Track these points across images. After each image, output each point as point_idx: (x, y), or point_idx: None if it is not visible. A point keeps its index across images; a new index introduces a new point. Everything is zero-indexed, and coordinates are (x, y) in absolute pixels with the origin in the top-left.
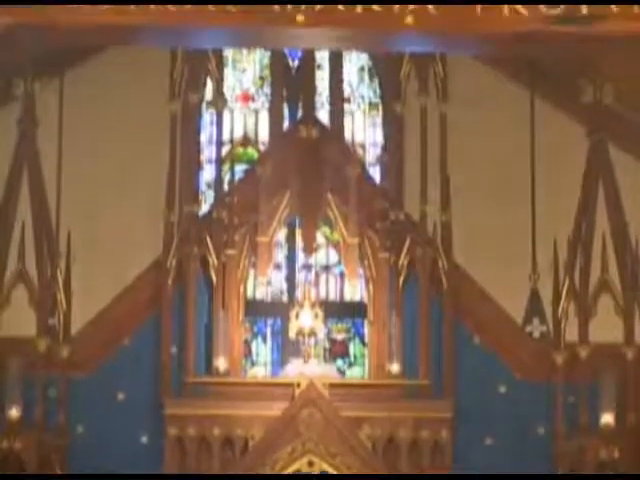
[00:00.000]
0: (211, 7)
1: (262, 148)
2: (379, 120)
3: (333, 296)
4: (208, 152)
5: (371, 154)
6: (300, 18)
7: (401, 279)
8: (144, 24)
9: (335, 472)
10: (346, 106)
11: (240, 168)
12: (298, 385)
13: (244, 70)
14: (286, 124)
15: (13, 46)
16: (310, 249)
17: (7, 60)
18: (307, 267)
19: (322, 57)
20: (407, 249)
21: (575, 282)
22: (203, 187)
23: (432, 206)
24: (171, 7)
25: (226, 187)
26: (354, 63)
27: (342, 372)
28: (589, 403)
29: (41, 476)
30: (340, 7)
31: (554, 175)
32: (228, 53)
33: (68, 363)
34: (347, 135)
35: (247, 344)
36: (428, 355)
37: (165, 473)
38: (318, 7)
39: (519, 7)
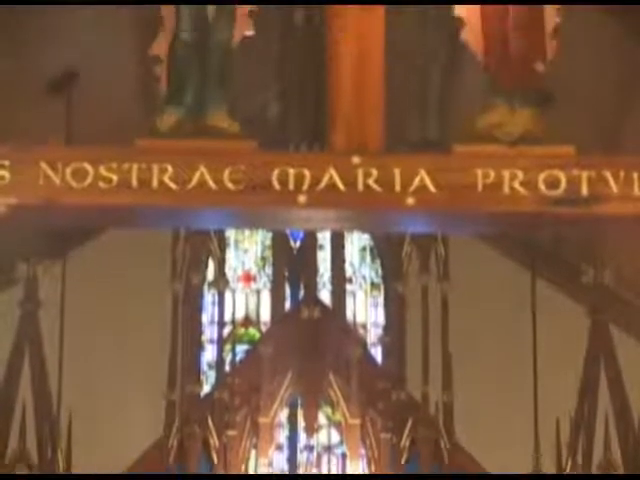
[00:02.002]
0: (212, 185)
1: (264, 328)
2: (381, 300)
3: None
4: (210, 332)
5: (373, 334)
6: (302, 199)
7: (403, 459)
8: (145, 205)
9: None
10: (348, 286)
11: (242, 348)
12: None
13: (246, 250)
14: (288, 304)
15: (15, 228)
16: (312, 430)
17: (9, 242)
18: (309, 448)
19: (324, 237)
20: (409, 430)
21: (578, 462)
22: (204, 367)
23: (434, 386)
24: (172, 185)
25: (227, 367)
26: (356, 243)
27: None
28: None
29: (41, 476)
30: (341, 187)
31: (556, 354)
32: (230, 233)
33: None
34: (349, 315)
35: None
36: None
37: (165, 473)
38: (320, 188)
39: (519, 188)
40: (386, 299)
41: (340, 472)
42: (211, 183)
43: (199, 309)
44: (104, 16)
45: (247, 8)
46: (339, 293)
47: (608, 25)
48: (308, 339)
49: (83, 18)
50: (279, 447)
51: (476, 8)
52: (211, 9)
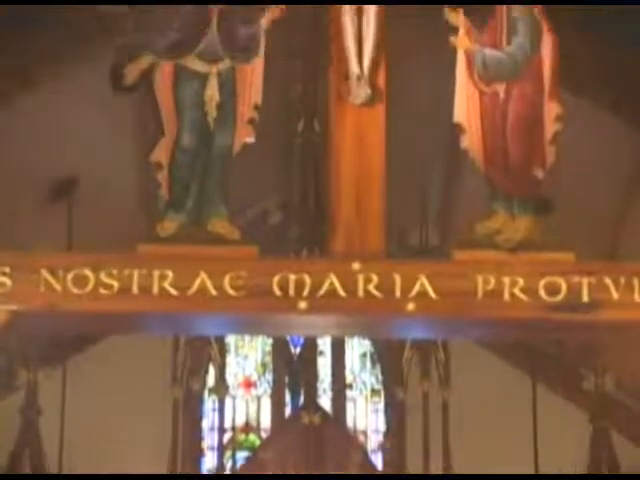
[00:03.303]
0: (213, 292)
1: (264, 435)
2: (381, 406)
3: None
4: (210, 439)
5: (373, 440)
6: (302, 305)
7: None
8: (146, 312)
9: None
10: (348, 392)
11: (242, 455)
12: None
13: (246, 357)
14: (288, 410)
15: (16, 334)
16: None
17: (10, 349)
18: None
19: (324, 343)
20: None
21: None
22: (205, 474)
23: None
24: (173, 291)
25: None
26: (356, 349)
27: None
28: None
29: (41, 476)
30: (342, 293)
31: (557, 459)
32: (230, 339)
33: None
34: (349, 421)
35: None
36: None
37: (166, 473)
38: (320, 294)
39: (520, 294)
40: (386, 405)
41: None
42: (212, 289)
43: (199, 415)
44: (105, 123)
45: (247, 116)
46: (339, 399)
47: (608, 127)
48: (308, 445)
49: (84, 125)
50: None
51: (476, 115)
52: (212, 116)
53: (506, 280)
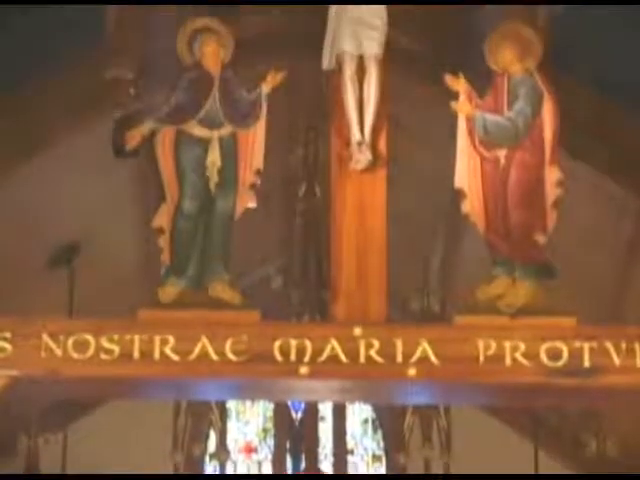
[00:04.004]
0: (214, 357)
1: None
2: (382, 472)
3: None
4: None
5: None
6: (303, 370)
7: None
8: (147, 377)
9: None
10: (349, 458)
11: None
12: None
13: (247, 422)
14: None
15: (17, 400)
16: None
17: (10, 414)
18: None
19: (325, 408)
20: None
21: None
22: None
23: None
24: (174, 356)
25: None
26: (357, 415)
27: None
28: None
29: (41, 476)
30: (343, 359)
31: None
32: (231, 404)
33: None
34: None
35: None
36: None
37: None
38: (321, 359)
39: (521, 359)
40: (388, 471)
41: None
42: (213, 354)
43: None
44: (106, 188)
45: (248, 181)
46: (341, 465)
47: (608, 191)
48: None
49: (85, 191)
50: None
51: (477, 180)
52: (213, 181)
53: (507, 345)
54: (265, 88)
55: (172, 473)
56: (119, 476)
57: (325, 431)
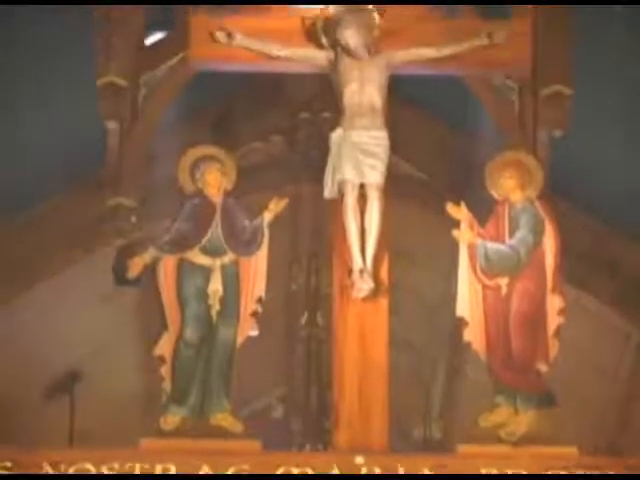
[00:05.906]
0: None
1: None
2: None
3: None
4: None
5: None
6: None
7: None
8: None
9: None
10: None
11: None
12: None
13: None
14: None
15: None
16: None
17: None
18: None
19: None
20: None
21: None
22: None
23: None
24: None
25: None
26: None
27: None
28: None
29: (40, 476)
30: None
31: None
32: None
33: None
34: None
35: None
36: None
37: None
38: None
39: None
40: None
41: None
42: None
43: None
44: (106, 316)
45: (250, 309)
46: None
47: (608, 320)
48: None
49: (85, 319)
50: None
51: (479, 309)
52: (215, 309)
53: (509, 473)
54: (267, 216)
55: None
56: (119, 476)
57: None
